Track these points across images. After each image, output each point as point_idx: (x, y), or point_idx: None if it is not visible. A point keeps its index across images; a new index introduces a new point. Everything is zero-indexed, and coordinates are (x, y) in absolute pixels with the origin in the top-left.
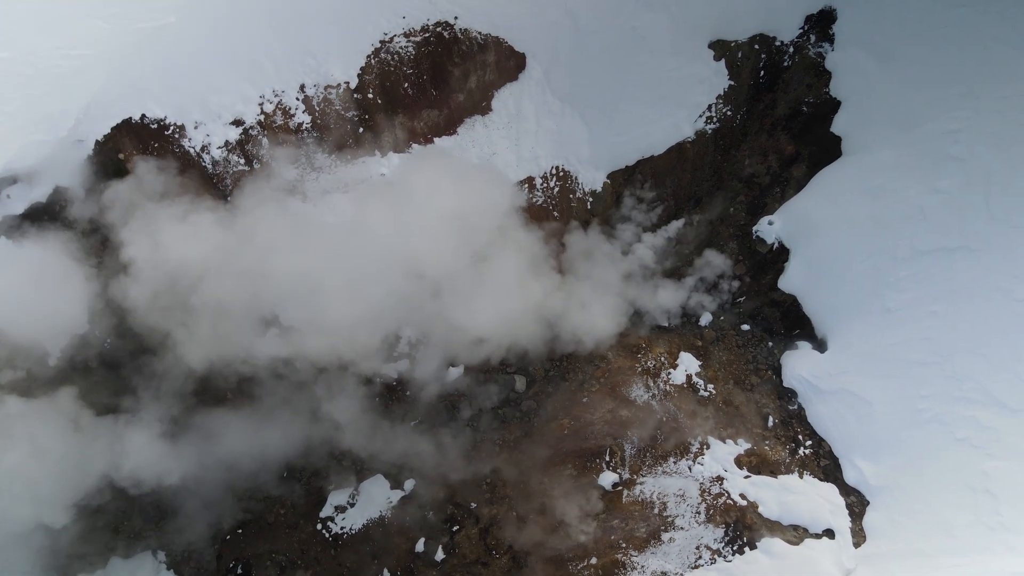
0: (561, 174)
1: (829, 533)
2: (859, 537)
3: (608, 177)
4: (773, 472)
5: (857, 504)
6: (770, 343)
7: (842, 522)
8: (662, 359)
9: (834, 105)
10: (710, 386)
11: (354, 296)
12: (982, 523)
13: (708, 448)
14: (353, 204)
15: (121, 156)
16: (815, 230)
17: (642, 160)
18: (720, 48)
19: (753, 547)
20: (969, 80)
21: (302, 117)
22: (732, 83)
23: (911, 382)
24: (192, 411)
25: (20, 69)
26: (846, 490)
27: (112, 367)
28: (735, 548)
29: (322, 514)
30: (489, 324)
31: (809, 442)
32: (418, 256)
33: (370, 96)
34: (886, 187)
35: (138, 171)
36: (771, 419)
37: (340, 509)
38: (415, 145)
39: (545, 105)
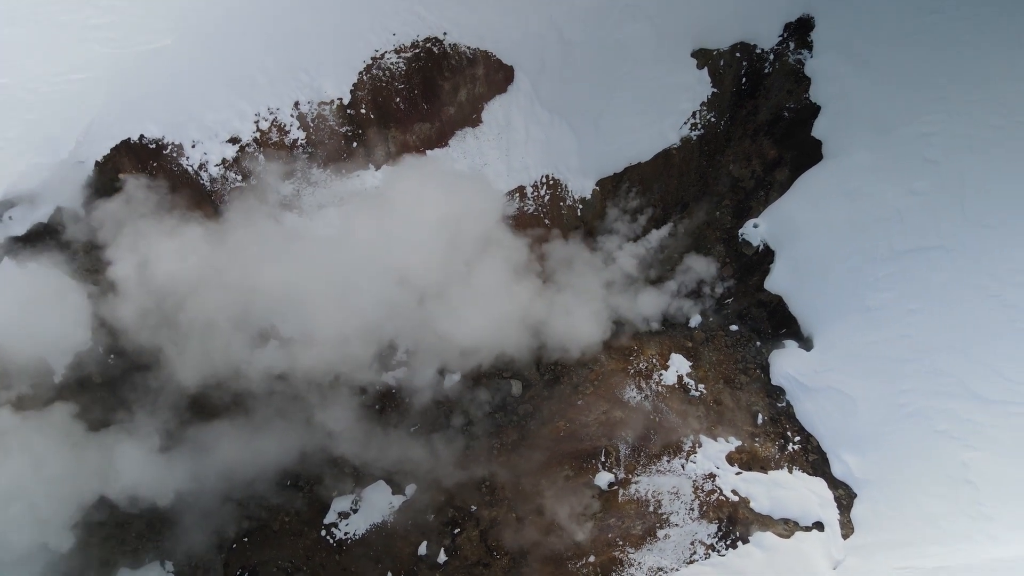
0: (551, 182)
1: (818, 526)
2: (847, 529)
3: (597, 184)
4: (763, 468)
5: (845, 497)
6: (758, 343)
7: (831, 515)
8: (653, 361)
9: (814, 110)
10: (701, 386)
11: (348, 307)
12: (963, 513)
13: (700, 446)
14: (346, 216)
15: (121, 176)
16: (798, 232)
17: (630, 167)
18: (703, 56)
19: (746, 541)
20: (942, 84)
21: (297, 133)
22: (715, 90)
23: (893, 378)
24: (190, 424)
25: (20, 94)
26: (834, 483)
27: (115, 383)
28: (728, 543)
29: (326, 520)
30: (479, 334)
31: (797, 438)
32: (409, 266)
33: (363, 111)
34: (864, 190)
35: (127, 189)
36: (760, 416)
37: (343, 515)
38: (406, 156)
39: (534, 116)
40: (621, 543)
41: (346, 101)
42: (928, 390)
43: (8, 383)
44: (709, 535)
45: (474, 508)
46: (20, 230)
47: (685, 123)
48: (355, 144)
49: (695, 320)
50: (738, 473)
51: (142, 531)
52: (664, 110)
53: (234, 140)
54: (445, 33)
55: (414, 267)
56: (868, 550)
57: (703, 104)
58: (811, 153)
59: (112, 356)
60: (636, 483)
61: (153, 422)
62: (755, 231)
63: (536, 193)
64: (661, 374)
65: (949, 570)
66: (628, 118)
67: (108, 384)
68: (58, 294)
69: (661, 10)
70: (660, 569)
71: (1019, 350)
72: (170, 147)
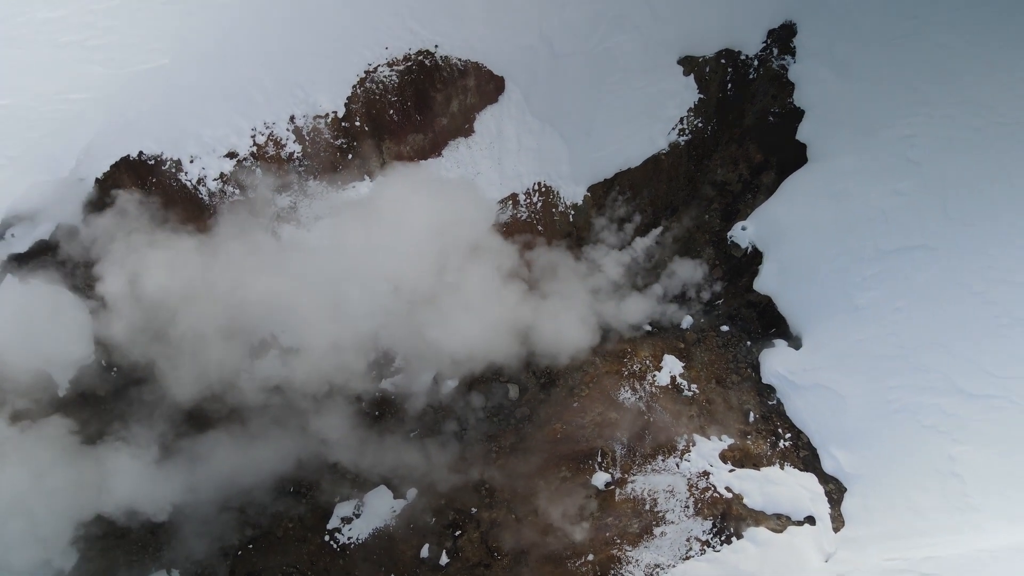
0: (543, 190)
1: (810, 520)
2: (838, 522)
3: (588, 190)
4: (756, 465)
5: (835, 491)
6: (748, 342)
7: (822, 509)
8: (647, 362)
9: (798, 114)
10: (693, 386)
11: (342, 317)
12: (950, 505)
13: (694, 445)
14: (338, 226)
15: (113, 191)
16: (785, 234)
17: (620, 173)
18: (689, 64)
19: (740, 537)
20: (922, 87)
21: (293, 147)
22: (702, 96)
23: (880, 375)
24: (187, 436)
25: (22, 115)
26: (824, 479)
27: (116, 396)
28: (723, 538)
29: (329, 526)
30: (470, 342)
31: (788, 435)
32: (401, 274)
33: (357, 124)
34: (849, 191)
35: (119, 204)
36: (752, 414)
37: (346, 520)
38: (396, 164)
39: (525, 125)
40: (619, 541)
41: (340, 114)
42: (915, 386)
43: (11, 397)
44: (704, 531)
45: (474, 510)
46: (22, 247)
47: (673, 129)
48: (350, 156)
49: (687, 322)
50: (731, 470)
51: (146, 541)
52: (652, 116)
53: (231, 155)
54: (436, 45)
55: (405, 275)
56: (859, 543)
57: (690, 110)
58: (796, 156)
59: (114, 370)
60: (632, 482)
61: (150, 434)
62: (743, 233)
63: (529, 200)
64: (654, 375)
65: (938, 561)
66: (618, 125)
67: (110, 397)
68: (60, 309)
69: (648, 20)
70: (657, 566)
71: (1002, 346)
72: (168, 163)
